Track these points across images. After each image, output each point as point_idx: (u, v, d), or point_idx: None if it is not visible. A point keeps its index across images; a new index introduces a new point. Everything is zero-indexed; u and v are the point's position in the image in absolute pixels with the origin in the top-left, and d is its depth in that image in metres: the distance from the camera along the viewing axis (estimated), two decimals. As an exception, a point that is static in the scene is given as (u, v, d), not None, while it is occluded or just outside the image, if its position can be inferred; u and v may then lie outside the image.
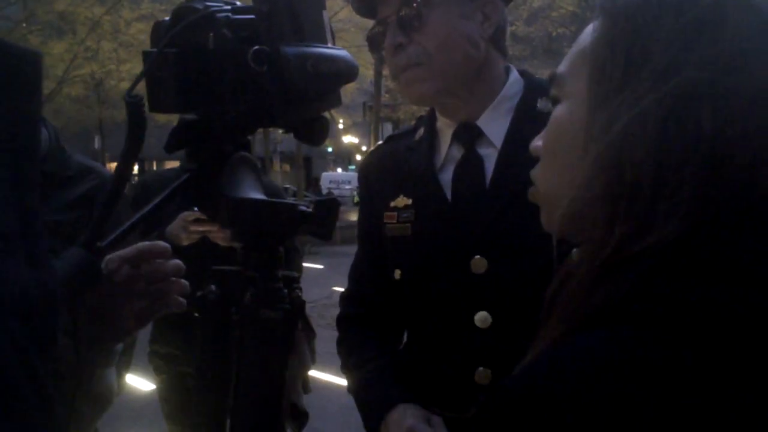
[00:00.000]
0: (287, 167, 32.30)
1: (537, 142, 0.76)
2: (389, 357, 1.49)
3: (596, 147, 0.64)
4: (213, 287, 0.91)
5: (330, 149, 33.43)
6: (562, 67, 0.72)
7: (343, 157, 39.00)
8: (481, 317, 1.30)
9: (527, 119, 1.33)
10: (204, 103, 0.78)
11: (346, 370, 1.53)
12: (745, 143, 0.59)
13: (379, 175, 1.52)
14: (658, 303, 0.57)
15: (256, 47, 0.72)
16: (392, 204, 1.43)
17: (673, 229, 0.58)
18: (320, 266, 12.40)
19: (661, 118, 0.60)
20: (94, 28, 15.88)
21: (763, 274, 0.56)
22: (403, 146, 1.50)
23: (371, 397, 1.42)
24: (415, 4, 1.27)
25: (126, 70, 17.11)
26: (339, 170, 38.00)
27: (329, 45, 0.81)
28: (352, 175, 32.94)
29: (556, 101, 0.73)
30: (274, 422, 0.91)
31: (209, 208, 0.91)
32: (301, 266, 3.11)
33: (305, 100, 0.78)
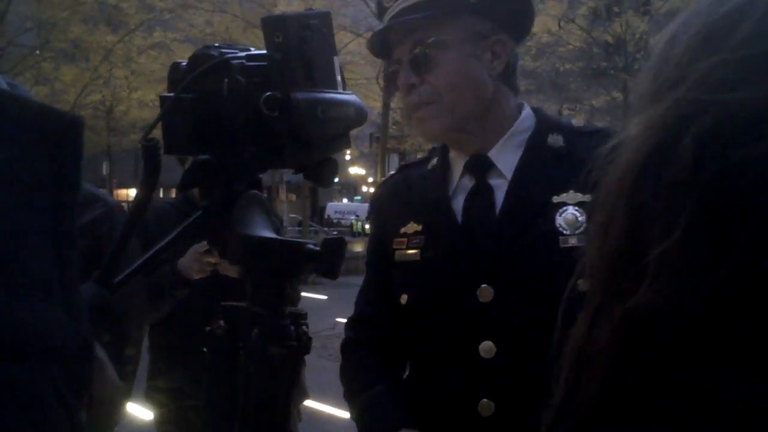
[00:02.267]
0: (293, 197, 32.41)
1: None
2: (393, 383, 1.49)
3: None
4: (221, 322, 0.93)
5: (337, 179, 33.50)
6: None
7: (350, 187, 39.13)
8: (486, 347, 1.31)
9: (537, 153, 1.38)
10: (217, 145, 0.80)
11: (348, 395, 1.53)
12: (751, 174, 0.45)
13: (391, 202, 1.55)
14: (676, 398, 0.49)
15: (268, 93, 0.75)
16: (402, 230, 1.46)
17: (665, 299, 0.48)
18: (323, 297, 12.36)
19: (644, 150, 0.51)
20: (107, 56, 16.10)
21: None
22: (416, 174, 1.54)
23: (374, 422, 1.42)
24: (426, 46, 1.33)
25: (136, 98, 17.31)
26: (345, 200, 38.11)
27: (339, 90, 0.84)
28: (358, 205, 32.98)
29: None
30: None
31: (219, 244, 0.93)
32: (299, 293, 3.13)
33: (315, 143, 0.81)
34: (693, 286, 0.47)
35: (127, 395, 1.89)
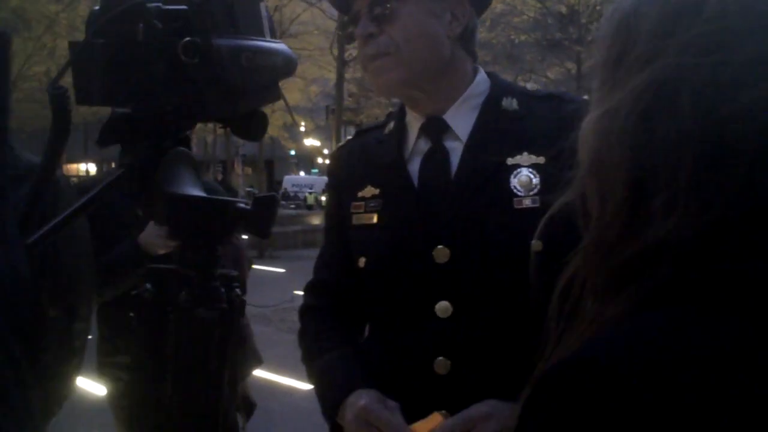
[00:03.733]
0: (249, 170, 32.06)
1: None
2: (351, 346, 1.50)
3: (587, 150, 0.65)
4: (148, 286, 0.89)
5: (293, 152, 33.26)
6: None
7: (305, 160, 38.82)
8: (442, 307, 1.32)
9: (492, 116, 1.40)
10: (134, 96, 0.75)
11: (306, 359, 1.53)
12: (739, 123, 0.56)
13: (348, 168, 1.55)
14: (716, 282, 0.56)
15: (187, 39, 0.70)
16: (360, 194, 1.46)
17: (678, 223, 0.56)
18: (281, 270, 12.31)
19: (636, 112, 0.59)
20: (51, 25, 15.57)
21: None
22: (372, 139, 1.55)
23: (330, 384, 1.42)
24: None
25: (83, 69, 16.78)
26: (302, 173, 37.84)
27: (266, 38, 0.80)
28: (315, 178, 32.80)
29: None
30: (215, 419, 0.89)
31: (145, 204, 0.89)
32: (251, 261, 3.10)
33: (240, 93, 0.77)
34: (701, 220, 0.56)
35: (76, 370, 1.85)
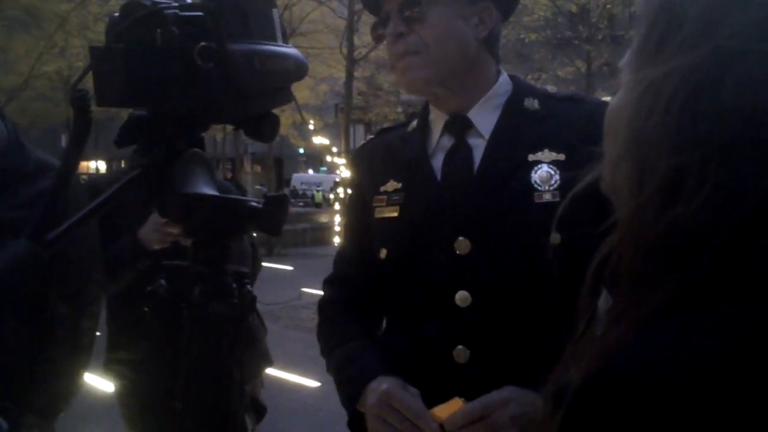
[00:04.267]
0: (258, 168, 32.09)
1: None
2: (370, 337, 1.53)
3: (623, 128, 0.64)
4: (163, 282, 0.92)
5: (301, 150, 33.29)
6: (622, 60, 0.70)
7: (314, 158, 38.80)
8: (462, 296, 1.35)
9: (514, 115, 1.44)
10: (151, 98, 0.78)
11: (326, 350, 1.56)
12: None
13: (370, 165, 1.59)
14: (756, 281, 0.54)
15: (203, 44, 0.73)
16: (382, 189, 1.50)
17: (713, 213, 0.55)
18: (289, 267, 12.33)
19: (681, 94, 0.58)
20: (62, 24, 15.62)
21: None
22: (395, 137, 1.59)
23: (351, 372, 1.45)
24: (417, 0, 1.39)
25: (94, 68, 16.78)
26: (310, 171, 37.82)
27: (279, 43, 0.83)
28: (324, 176, 32.82)
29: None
30: (224, 416, 0.92)
31: (159, 203, 0.91)
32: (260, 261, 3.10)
33: (252, 96, 0.79)
34: (735, 213, 0.55)
35: (84, 367, 1.88)
